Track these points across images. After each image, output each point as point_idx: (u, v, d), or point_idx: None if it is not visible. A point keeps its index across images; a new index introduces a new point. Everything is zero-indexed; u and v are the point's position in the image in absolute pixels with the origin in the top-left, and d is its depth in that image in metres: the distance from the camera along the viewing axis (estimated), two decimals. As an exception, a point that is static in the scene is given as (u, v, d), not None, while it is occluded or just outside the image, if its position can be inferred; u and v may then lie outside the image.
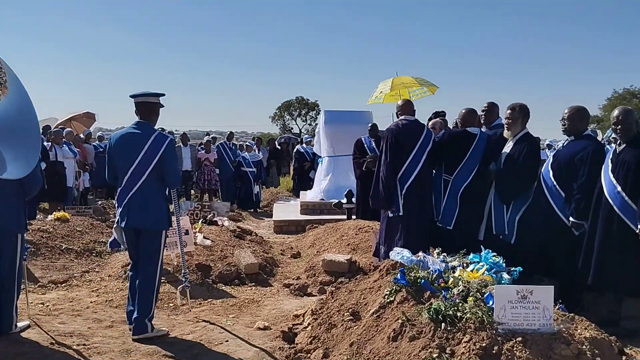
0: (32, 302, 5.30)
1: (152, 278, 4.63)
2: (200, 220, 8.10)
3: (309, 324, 4.58)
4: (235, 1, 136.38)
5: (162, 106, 4.82)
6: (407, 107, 6.11)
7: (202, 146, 14.58)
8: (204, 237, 7.09)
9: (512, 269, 4.12)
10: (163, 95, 4.79)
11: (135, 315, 4.61)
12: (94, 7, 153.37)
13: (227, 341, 4.54)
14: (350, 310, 4.28)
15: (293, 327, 4.72)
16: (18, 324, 4.67)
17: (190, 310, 5.23)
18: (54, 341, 4.50)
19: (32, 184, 4.57)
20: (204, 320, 5.12)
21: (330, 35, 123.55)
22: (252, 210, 13.77)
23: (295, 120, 60.58)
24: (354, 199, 9.62)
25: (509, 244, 5.36)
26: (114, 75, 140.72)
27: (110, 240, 5.31)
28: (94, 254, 7.41)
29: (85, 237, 7.84)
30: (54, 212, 8.50)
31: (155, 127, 4.78)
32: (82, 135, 13.90)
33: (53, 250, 7.03)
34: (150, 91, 4.74)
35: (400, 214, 5.82)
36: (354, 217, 9.50)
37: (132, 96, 4.70)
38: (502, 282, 3.93)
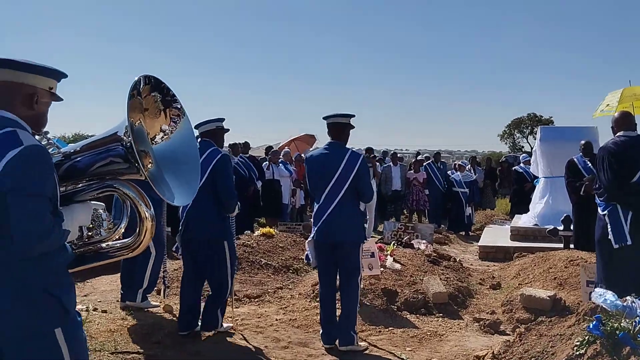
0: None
1: (356, 290, 4.84)
2: (393, 243, 7.85)
3: (486, 369, 4.03)
4: (459, 22, 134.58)
5: (353, 127, 4.99)
6: (625, 121, 5.07)
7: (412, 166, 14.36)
8: (394, 261, 6.82)
9: None
10: (353, 116, 4.98)
11: (340, 324, 4.80)
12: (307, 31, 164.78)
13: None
14: (533, 359, 3.65)
15: (468, 371, 4.20)
16: (223, 324, 5.13)
17: (364, 339, 5.01)
18: (229, 357, 4.65)
19: (229, 200, 4.93)
20: (379, 348, 4.91)
21: (564, 47, 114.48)
22: (462, 233, 13.08)
23: (527, 138, 56.91)
24: (572, 226, 8.48)
25: None
26: (328, 97, 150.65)
27: (305, 254, 5.45)
28: (290, 271, 7.62)
29: (285, 253, 8.13)
30: (260, 228, 9.02)
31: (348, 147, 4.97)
32: (303, 155, 14.69)
33: (253, 264, 7.39)
34: (341, 112, 4.94)
35: (628, 243, 4.84)
36: (571, 246, 8.38)
37: (324, 118, 4.96)
38: None
